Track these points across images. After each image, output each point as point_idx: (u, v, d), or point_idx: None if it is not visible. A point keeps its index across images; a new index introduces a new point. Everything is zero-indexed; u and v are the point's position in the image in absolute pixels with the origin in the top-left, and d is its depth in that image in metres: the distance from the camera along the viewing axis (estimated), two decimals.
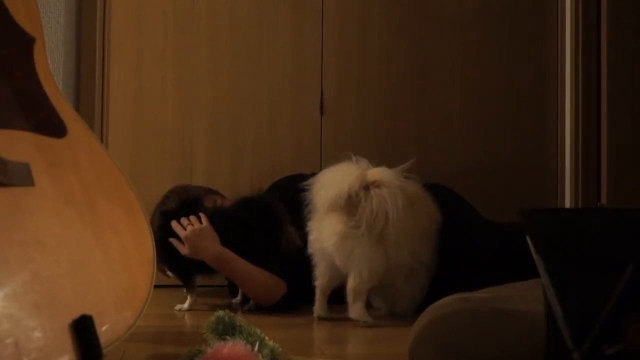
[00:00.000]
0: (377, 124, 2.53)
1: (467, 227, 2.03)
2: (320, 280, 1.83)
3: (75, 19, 2.36)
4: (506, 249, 1.91)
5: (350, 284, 1.73)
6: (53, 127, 1.25)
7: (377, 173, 1.76)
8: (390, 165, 1.83)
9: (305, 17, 2.51)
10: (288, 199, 2.18)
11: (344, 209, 1.72)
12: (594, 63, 2.48)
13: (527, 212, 0.93)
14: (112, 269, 1.18)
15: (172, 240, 1.91)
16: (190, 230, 1.89)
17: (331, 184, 1.74)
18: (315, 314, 1.82)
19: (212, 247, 1.89)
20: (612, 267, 0.82)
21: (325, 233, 1.75)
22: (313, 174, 2.32)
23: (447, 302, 1.23)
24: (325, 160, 2.48)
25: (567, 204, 2.51)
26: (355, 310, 1.73)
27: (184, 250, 1.90)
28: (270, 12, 2.50)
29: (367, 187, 1.72)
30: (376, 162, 1.85)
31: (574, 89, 2.51)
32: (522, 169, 2.58)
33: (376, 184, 1.73)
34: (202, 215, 1.93)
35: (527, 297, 1.19)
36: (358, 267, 1.73)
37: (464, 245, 1.94)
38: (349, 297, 1.74)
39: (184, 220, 1.92)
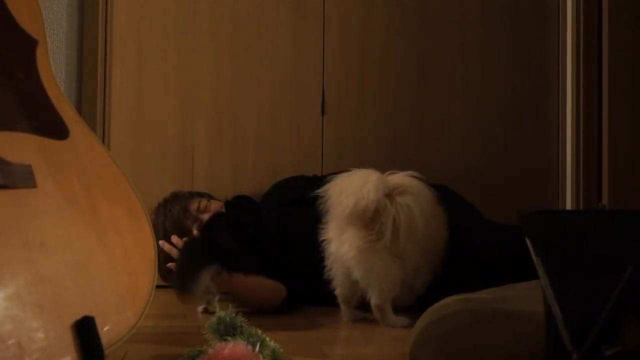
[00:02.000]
0: (378, 124, 2.53)
1: (467, 227, 2.03)
2: (339, 290, 1.78)
3: (78, 22, 2.37)
4: (507, 250, 1.91)
5: (373, 300, 1.69)
6: (55, 129, 1.26)
7: (399, 179, 1.70)
8: (391, 165, 1.83)
9: (306, 17, 2.52)
10: (288, 200, 2.20)
11: (362, 220, 1.65)
12: (595, 64, 2.48)
13: (527, 214, 0.93)
14: (114, 269, 1.18)
15: (170, 265, 1.91)
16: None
17: (352, 192, 1.63)
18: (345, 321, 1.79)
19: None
20: (612, 269, 0.82)
21: (344, 247, 1.69)
22: (315, 176, 2.34)
23: (447, 303, 1.24)
24: (327, 160, 2.49)
25: (569, 205, 2.51)
26: (388, 321, 1.70)
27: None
28: (271, 12, 2.51)
29: (389, 194, 1.66)
30: (377, 162, 1.85)
31: (575, 89, 2.51)
32: (523, 169, 2.58)
33: (399, 191, 1.68)
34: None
35: (528, 298, 1.20)
36: (378, 282, 1.68)
37: (464, 245, 1.94)
38: (375, 314, 1.71)
39: (178, 242, 1.92)
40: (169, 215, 2.07)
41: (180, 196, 2.19)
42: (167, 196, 2.20)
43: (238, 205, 2.10)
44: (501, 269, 1.84)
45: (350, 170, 1.73)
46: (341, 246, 1.71)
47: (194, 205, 2.14)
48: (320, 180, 2.26)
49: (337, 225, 1.72)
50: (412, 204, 1.66)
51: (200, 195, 2.24)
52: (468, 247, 1.95)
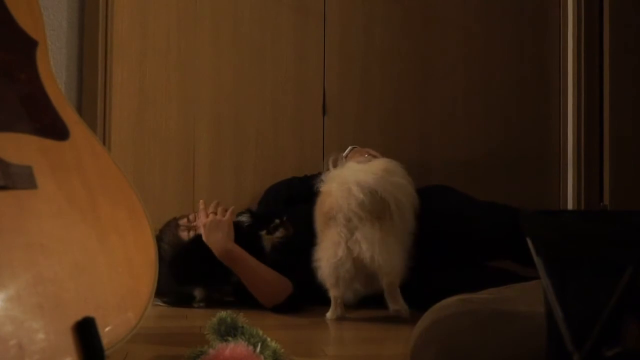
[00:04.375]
0: (379, 123, 2.54)
1: (467, 210, 2.09)
2: (338, 292, 1.79)
3: (78, 22, 2.37)
4: (505, 228, 1.95)
5: (389, 279, 1.74)
6: (55, 130, 1.26)
7: (384, 164, 1.81)
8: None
9: (308, 17, 2.52)
10: (283, 200, 2.22)
11: (374, 212, 1.72)
12: (596, 60, 2.48)
13: (528, 215, 0.93)
14: (115, 270, 1.18)
15: (183, 222, 2.02)
16: (210, 219, 1.96)
17: (362, 189, 1.70)
18: (329, 318, 1.80)
19: (222, 241, 1.94)
20: (612, 269, 0.82)
21: (363, 245, 1.72)
22: (305, 176, 2.33)
23: (448, 304, 1.24)
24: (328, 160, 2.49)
25: (570, 203, 2.51)
26: (398, 301, 1.74)
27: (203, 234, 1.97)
28: (272, 12, 2.51)
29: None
30: None
31: (576, 86, 2.51)
32: (525, 169, 2.58)
33: (389, 174, 1.78)
34: (229, 210, 1.99)
35: (529, 298, 1.20)
36: (393, 262, 1.74)
37: (464, 226, 1.99)
38: (389, 293, 1.74)
39: (211, 207, 2.01)
40: (164, 237, 2.10)
41: (169, 221, 2.20)
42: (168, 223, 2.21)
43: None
44: (495, 247, 1.90)
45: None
46: (355, 246, 1.73)
47: (184, 220, 2.17)
48: (311, 179, 2.28)
49: (344, 227, 1.75)
50: (402, 184, 1.77)
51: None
52: (466, 227, 2.02)
